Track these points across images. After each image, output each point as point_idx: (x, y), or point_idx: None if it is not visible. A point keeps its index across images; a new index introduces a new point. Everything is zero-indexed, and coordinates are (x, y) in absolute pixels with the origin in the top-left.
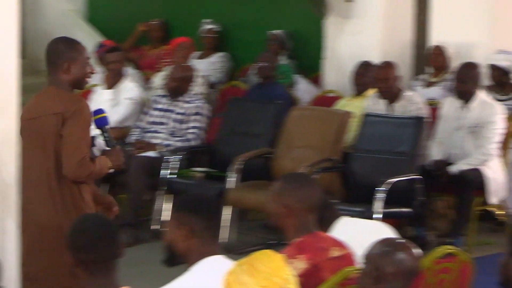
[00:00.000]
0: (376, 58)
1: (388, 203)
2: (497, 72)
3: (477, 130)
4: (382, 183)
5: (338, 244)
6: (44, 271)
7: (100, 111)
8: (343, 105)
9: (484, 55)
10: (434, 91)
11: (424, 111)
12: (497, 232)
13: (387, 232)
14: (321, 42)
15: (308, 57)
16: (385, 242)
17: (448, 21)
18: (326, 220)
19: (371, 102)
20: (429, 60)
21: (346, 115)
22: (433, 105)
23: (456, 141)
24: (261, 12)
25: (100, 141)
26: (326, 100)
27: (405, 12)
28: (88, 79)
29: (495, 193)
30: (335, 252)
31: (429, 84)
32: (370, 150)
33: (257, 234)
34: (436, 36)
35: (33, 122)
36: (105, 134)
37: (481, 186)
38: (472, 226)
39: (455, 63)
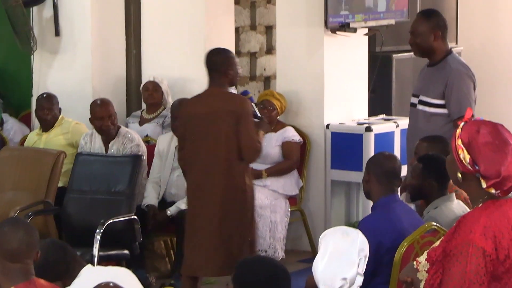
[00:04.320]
0: (88, 94)
1: (107, 245)
2: None
3: None
4: (100, 225)
5: None
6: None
7: (246, 92)
8: (32, 140)
9: (200, 90)
10: (150, 128)
11: (141, 149)
12: None
13: (129, 278)
14: (30, 78)
15: (16, 95)
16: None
17: (161, 55)
18: (70, 269)
19: (86, 141)
20: (144, 96)
21: (60, 155)
22: (149, 142)
23: (174, 180)
24: None
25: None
26: None
27: (117, 46)
28: (239, 78)
29: None
30: None
31: (144, 121)
32: (85, 190)
33: None
34: (150, 71)
35: (208, 116)
36: (254, 110)
37: None
38: None
39: (170, 99)
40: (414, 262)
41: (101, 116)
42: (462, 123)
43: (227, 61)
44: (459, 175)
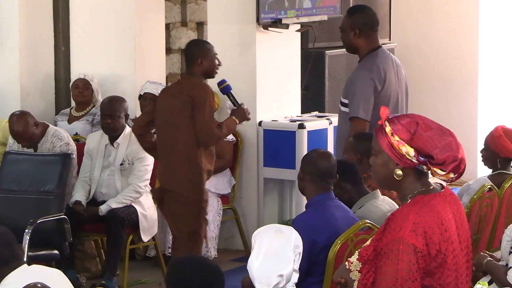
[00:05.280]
0: (16, 92)
1: (36, 245)
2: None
3: (125, 167)
4: (28, 225)
5: None
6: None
7: (223, 81)
8: None
9: (130, 87)
10: (79, 126)
11: (70, 148)
12: (151, 270)
13: (60, 279)
14: None
15: None
16: None
17: (90, 52)
18: (9, 267)
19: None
20: (73, 93)
21: None
22: (79, 141)
23: (104, 179)
24: None
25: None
26: None
27: (45, 43)
28: (217, 70)
29: (148, 230)
30: None
31: (74, 119)
32: (14, 190)
33: None
34: (79, 69)
35: (171, 103)
36: (231, 97)
37: (134, 224)
38: (125, 265)
39: (100, 97)
40: (346, 263)
41: (18, 136)
42: (386, 122)
43: (201, 52)
44: (399, 172)
